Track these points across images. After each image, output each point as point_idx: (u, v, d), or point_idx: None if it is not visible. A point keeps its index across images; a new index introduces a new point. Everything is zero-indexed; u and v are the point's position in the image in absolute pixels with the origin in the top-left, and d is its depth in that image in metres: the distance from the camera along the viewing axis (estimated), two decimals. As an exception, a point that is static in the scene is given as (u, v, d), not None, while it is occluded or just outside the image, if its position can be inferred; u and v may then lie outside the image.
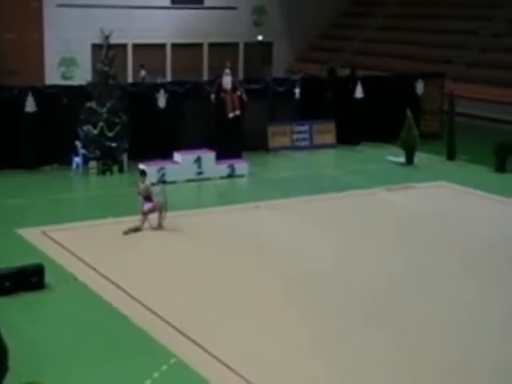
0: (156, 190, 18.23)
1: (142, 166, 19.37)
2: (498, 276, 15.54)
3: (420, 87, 28.88)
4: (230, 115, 24.85)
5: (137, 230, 17.59)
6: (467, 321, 13.33)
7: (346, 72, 33.94)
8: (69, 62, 37.24)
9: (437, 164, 25.38)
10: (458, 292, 14.61)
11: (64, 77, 36.61)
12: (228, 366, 11.46)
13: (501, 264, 16.22)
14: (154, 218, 17.82)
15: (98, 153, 22.91)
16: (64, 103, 23.51)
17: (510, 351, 12.24)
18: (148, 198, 17.76)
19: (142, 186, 17.92)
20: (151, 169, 21.98)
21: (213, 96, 24.83)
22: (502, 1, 37.36)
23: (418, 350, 12.14)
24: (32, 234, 17.31)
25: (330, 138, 27.62)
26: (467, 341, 12.58)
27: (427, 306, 13.90)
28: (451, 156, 25.66)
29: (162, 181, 20.83)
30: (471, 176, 23.53)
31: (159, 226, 17.79)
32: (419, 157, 25.41)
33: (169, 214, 18.24)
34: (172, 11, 40.02)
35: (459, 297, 14.37)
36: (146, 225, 17.71)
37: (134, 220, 18.06)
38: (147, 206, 17.71)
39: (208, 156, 22.88)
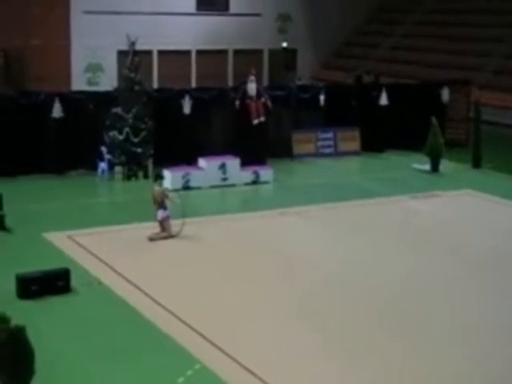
0: (172, 195, 18.15)
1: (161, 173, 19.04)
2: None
3: (445, 95, 28.75)
4: (255, 122, 24.87)
5: (165, 238, 17.62)
6: (481, 329, 13.27)
7: (370, 78, 33.91)
8: (95, 68, 37.49)
9: (462, 172, 25.26)
10: (474, 300, 14.56)
11: (90, 83, 36.85)
12: (253, 373, 11.46)
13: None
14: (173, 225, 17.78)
15: (123, 158, 23.05)
16: (90, 109, 23.68)
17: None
18: (162, 204, 17.64)
19: (157, 189, 17.85)
20: (176, 174, 22.17)
21: (237, 102, 24.86)
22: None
23: (432, 358, 12.09)
24: (58, 238, 17.44)
25: (355, 145, 27.58)
26: (480, 348, 12.53)
27: (442, 315, 13.82)
28: (477, 164, 25.53)
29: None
30: (497, 184, 23.39)
31: (173, 234, 17.75)
32: (445, 164, 25.31)
33: (193, 220, 18.31)
34: (197, 18, 40.16)
35: (474, 305, 14.33)
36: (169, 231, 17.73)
37: (158, 225, 18.15)
38: (161, 214, 17.66)
39: (233, 162, 22.93)
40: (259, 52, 41.94)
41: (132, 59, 23.47)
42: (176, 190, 19.92)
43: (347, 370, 11.74)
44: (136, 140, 23.03)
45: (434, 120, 25.28)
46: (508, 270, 16.25)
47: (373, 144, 27.46)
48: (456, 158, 26.21)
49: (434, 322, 13.55)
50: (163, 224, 17.65)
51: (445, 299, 14.57)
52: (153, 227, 17.98)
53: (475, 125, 26.20)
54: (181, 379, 11.22)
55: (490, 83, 33.95)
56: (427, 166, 25.19)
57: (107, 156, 23.28)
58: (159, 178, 18.20)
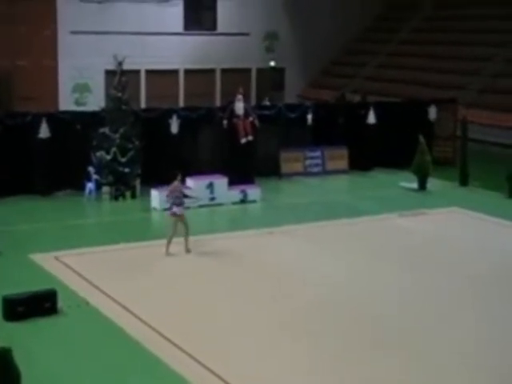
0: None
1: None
2: (508, 301, 15.47)
3: (433, 113, 28.87)
4: (243, 141, 24.86)
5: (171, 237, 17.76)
6: (474, 345, 13.26)
7: (357, 98, 34.04)
8: (82, 88, 37.51)
9: (449, 190, 25.32)
10: (467, 318, 14.54)
11: (77, 103, 36.85)
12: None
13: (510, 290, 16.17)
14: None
15: (110, 178, 22.99)
16: (77, 129, 23.63)
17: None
18: (176, 199, 17.84)
19: (176, 183, 18.11)
20: (164, 194, 22.08)
21: (225, 122, 24.85)
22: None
23: (430, 371, 12.09)
24: (45, 259, 17.34)
25: (343, 163, 27.61)
26: (476, 366, 12.50)
27: (437, 331, 13.81)
28: (464, 182, 25.60)
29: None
30: (484, 202, 23.44)
31: (187, 250, 17.90)
32: (432, 182, 25.38)
33: (182, 240, 18.28)
34: (185, 37, 40.29)
35: (468, 322, 14.31)
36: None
37: (145, 245, 18.16)
38: (174, 209, 17.84)
39: (220, 181, 22.91)
40: (247, 71, 42.06)
41: (119, 79, 23.47)
42: (165, 209, 20.03)
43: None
44: (123, 160, 22.98)
45: (421, 138, 25.37)
46: (498, 285, 16.27)
47: (361, 162, 27.52)
48: (443, 175, 26.29)
49: (430, 336, 13.53)
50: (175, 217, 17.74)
51: (440, 314, 14.60)
52: (140, 247, 17.97)
53: (462, 143, 26.30)
54: (168, 401, 11.16)
55: (476, 101, 34.15)
56: (415, 184, 25.25)
57: (94, 176, 23.22)
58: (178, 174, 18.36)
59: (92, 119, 23.62)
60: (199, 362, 12.36)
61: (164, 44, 39.26)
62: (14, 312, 13.91)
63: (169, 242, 17.73)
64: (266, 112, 26.69)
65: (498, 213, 21.83)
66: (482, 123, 31.08)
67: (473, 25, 39.19)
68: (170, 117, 24.70)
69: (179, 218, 17.78)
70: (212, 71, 41.10)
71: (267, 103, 31.05)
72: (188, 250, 17.93)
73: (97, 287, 15.73)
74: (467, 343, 13.35)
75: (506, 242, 19.65)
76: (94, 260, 17.56)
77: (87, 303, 14.86)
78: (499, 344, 13.39)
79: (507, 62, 36.15)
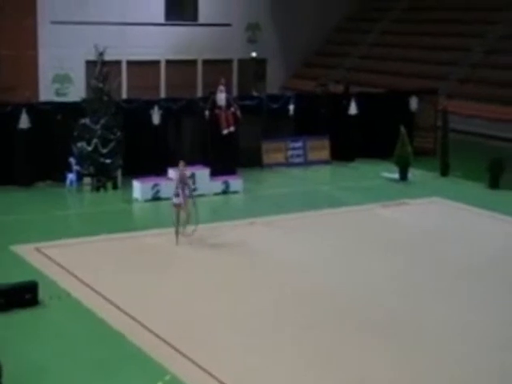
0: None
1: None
2: (489, 290, 15.60)
3: (414, 103, 28.94)
4: (225, 132, 24.82)
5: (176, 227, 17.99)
6: (459, 333, 13.36)
7: (340, 88, 34.02)
8: (63, 79, 37.24)
9: (430, 180, 25.44)
10: (450, 305, 14.64)
11: (58, 93, 36.60)
12: (222, 383, 11.42)
13: (491, 278, 16.23)
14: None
15: (92, 169, 22.90)
16: (58, 120, 23.52)
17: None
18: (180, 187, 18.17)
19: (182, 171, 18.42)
20: (145, 185, 22.09)
21: (207, 113, 24.79)
22: (493, 18, 37.58)
23: (414, 365, 12.15)
24: (26, 251, 17.28)
25: (325, 154, 27.66)
26: (463, 353, 12.59)
27: (419, 320, 13.90)
28: (445, 172, 25.72)
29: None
30: (464, 192, 23.58)
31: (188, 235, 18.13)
32: (413, 173, 25.48)
33: (163, 231, 18.26)
34: (166, 28, 40.10)
35: (449, 310, 14.40)
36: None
37: (127, 236, 18.14)
38: (176, 200, 18.12)
39: (202, 172, 22.91)
40: (229, 62, 41.97)
41: (100, 69, 23.36)
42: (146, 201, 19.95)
43: (326, 379, 11.72)
44: (105, 151, 22.89)
45: (402, 129, 25.45)
46: (478, 275, 16.37)
47: (342, 153, 27.57)
48: (424, 166, 26.40)
49: (412, 326, 13.60)
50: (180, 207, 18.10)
51: (419, 303, 14.65)
52: (121, 238, 17.94)
53: (443, 133, 26.40)
54: (150, 391, 11.18)
55: (458, 92, 34.27)
56: (396, 175, 25.34)
57: (75, 167, 23.12)
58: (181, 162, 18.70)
59: (73, 110, 23.51)
60: (180, 352, 12.37)
61: (145, 34, 39.04)
62: (-5, 303, 13.87)
63: (177, 233, 17.92)
64: (248, 103, 26.67)
65: (479, 203, 21.96)
66: (462, 113, 31.18)
67: (453, 15, 39.26)
68: (152, 108, 24.63)
69: (180, 207, 18.00)
70: (193, 62, 40.94)
71: (255, 94, 30.96)
72: (187, 235, 18.14)
73: (78, 278, 15.69)
74: (450, 328, 13.45)
75: (487, 232, 19.78)
76: (75, 251, 17.52)
77: (68, 295, 14.83)
78: (488, 332, 13.48)
79: (486, 52, 36.28)
